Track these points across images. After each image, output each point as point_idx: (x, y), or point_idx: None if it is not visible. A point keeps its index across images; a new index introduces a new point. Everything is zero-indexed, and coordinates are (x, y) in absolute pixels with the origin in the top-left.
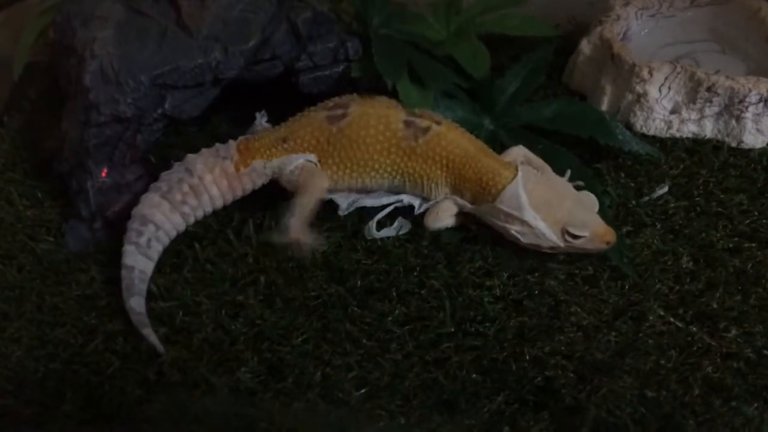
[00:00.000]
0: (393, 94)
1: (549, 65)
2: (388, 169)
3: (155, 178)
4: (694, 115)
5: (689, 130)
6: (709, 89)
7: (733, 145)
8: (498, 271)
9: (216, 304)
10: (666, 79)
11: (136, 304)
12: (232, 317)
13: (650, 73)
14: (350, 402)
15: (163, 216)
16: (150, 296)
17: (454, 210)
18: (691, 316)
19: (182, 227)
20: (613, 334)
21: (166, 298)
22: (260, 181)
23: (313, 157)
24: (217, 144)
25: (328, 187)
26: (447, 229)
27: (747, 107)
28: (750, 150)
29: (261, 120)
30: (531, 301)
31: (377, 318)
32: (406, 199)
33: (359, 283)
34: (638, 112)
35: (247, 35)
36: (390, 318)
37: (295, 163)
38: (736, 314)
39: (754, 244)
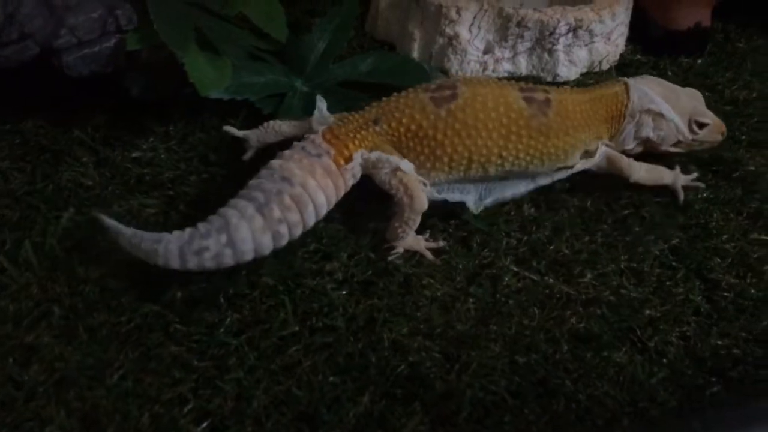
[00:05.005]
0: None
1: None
2: (521, 154)
3: None
4: (507, 53)
5: (505, 69)
6: (519, 24)
7: (549, 79)
8: (336, 252)
9: None
10: (475, 18)
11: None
12: (24, 365)
13: (458, 13)
14: None
15: (249, 233)
16: None
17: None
18: (544, 266)
19: (266, 251)
20: (471, 300)
21: None
22: (359, 175)
23: (409, 166)
24: (294, 142)
25: (433, 182)
26: None
27: (558, 39)
28: (565, 82)
29: (322, 107)
30: (378, 279)
31: (206, 332)
32: (545, 181)
33: (178, 294)
34: (452, 56)
35: None
36: (222, 329)
37: (394, 165)
38: (587, 256)
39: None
